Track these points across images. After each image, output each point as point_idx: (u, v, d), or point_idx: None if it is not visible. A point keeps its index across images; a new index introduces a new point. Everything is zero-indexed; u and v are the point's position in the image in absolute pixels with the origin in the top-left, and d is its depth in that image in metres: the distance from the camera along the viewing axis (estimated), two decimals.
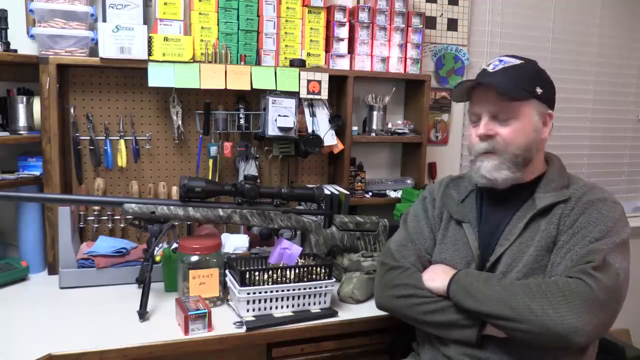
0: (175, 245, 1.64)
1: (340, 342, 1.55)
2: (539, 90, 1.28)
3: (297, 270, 1.52)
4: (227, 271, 1.60)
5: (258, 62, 2.04)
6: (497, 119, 1.27)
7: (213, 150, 2.03)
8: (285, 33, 2.07)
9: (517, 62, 1.30)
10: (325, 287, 1.55)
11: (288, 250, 1.59)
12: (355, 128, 2.21)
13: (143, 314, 1.45)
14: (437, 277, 1.31)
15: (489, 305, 1.17)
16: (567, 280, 1.13)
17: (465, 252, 1.34)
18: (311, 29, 2.11)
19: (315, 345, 1.53)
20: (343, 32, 2.17)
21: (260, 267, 1.61)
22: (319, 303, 1.55)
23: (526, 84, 1.27)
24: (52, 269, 1.82)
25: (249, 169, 2.08)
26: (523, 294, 1.14)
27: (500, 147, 1.27)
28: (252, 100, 2.10)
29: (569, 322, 1.08)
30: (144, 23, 1.82)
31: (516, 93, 1.25)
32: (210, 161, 2.04)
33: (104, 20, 1.80)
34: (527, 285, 1.16)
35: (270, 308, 1.50)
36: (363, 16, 2.20)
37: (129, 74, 1.96)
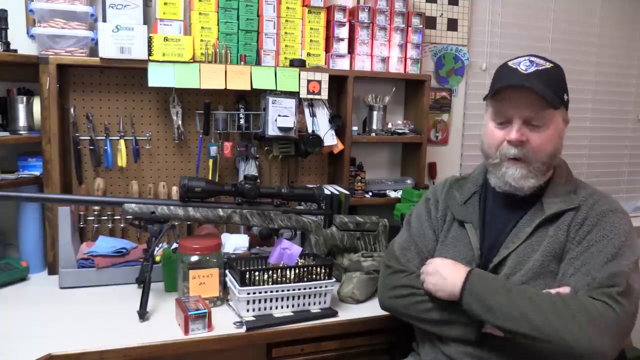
0: (175, 245, 1.64)
1: (340, 342, 1.55)
2: (565, 97, 1.27)
3: (297, 270, 1.52)
4: (227, 271, 1.60)
5: (258, 62, 2.04)
6: (529, 124, 1.24)
7: (213, 150, 2.02)
8: (285, 33, 2.07)
9: (548, 65, 1.26)
10: (325, 287, 1.55)
11: (288, 250, 1.59)
12: (355, 128, 2.21)
13: (143, 314, 1.45)
14: (445, 285, 1.23)
15: (512, 323, 1.13)
16: (593, 303, 1.11)
17: (467, 252, 1.33)
18: (311, 29, 2.11)
19: (315, 345, 1.53)
20: (343, 32, 2.17)
21: (260, 267, 1.61)
22: (319, 303, 1.55)
23: (558, 90, 1.25)
24: (52, 269, 1.81)
25: (249, 169, 2.08)
26: (549, 311, 1.11)
27: (530, 155, 1.24)
28: (252, 100, 2.10)
29: (592, 345, 1.07)
30: (144, 23, 1.82)
31: (556, 102, 1.22)
32: (210, 161, 2.04)
33: (104, 20, 1.80)
34: (553, 302, 1.12)
35: (270, 308, 1.50)
36: (363, 16, 2.20)
37: (129, 74, 1.96)
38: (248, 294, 1.46)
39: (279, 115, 2.00)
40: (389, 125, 2.30)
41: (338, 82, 2.18)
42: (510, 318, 1.13)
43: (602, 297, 1.12)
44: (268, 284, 1.48)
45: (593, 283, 1.15)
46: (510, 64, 1.29)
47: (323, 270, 1.54)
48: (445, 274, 1.25)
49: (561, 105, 1.25)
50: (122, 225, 1.98)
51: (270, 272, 1.49)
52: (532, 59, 1.28)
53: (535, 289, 1.19)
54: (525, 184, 1.26)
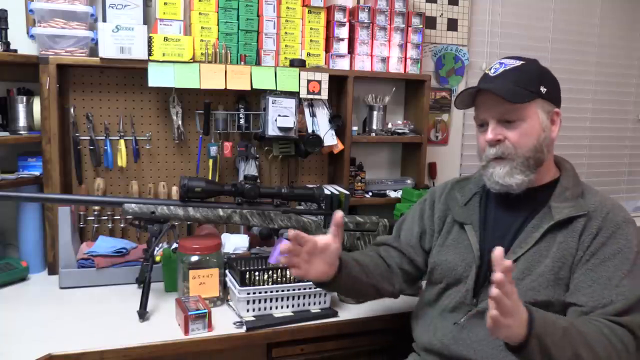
0: (175, 245, 1.64)
1: (340, 342, 1.55)
2: (543, 89, 1.25)
3: None
4: (227, 271, 1.60)
5: (258, 62, 2.04)
6: (505, 122, 1.25)
7: (213, 150, 2.02)
8: (285, 33, 2.07)
9: (518, 63, 1.28)
10: None
11: None
12: (355, 128, 2.21)
13: (143, 314, 1.45)
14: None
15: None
16: (630, 338, 1.10)
17: (466, 254, 1.33)
18: (311, 29, 2.11)
19: (315, 345, 1.53)
20: (343, 32, 2.17)
21: (260, 267, 1.61)
22: (319, 303, 1.55)
23: (529, 84, 1.25)
24: (52, 269, 1.81)
25: (249, 169, 2.08)
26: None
27: (510, 152, 1.25)
28: (252, 100, 2.10)
29: None
30: (144, 23, 1.82)
31: (520, 96, 1.22)
32: (210, 161, 2.04)
33: (104, 20, 1.80)
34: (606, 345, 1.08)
35: (270, 308, 1.50)
36: (363, 16, 2.20)
37: (129, 74, 1.96)
38: (248, 294, 1.46)
39: (279, 115, 2.00)
40: (389, 125, 2.30)
41: (338, 82, 2.18)
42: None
43: (628, 324, 1.11)
44: (268, 284, 1.49)
45: (620, 305, 1.13)
46: (485, 69, 1.33)
47: None
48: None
49: (534, 97, 1.24)
50: (122, 225, 1.98)
51: (270, 272, 1.49)
52: (503, 60, 1.30)
53: (588, 327, 1.10)
54: (512, 181, 1.26)
